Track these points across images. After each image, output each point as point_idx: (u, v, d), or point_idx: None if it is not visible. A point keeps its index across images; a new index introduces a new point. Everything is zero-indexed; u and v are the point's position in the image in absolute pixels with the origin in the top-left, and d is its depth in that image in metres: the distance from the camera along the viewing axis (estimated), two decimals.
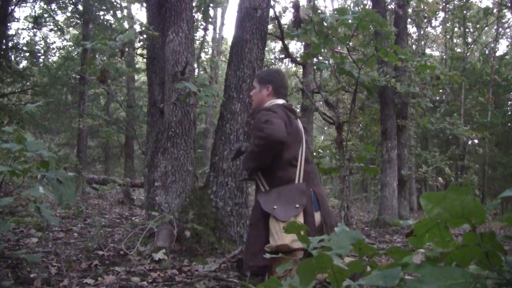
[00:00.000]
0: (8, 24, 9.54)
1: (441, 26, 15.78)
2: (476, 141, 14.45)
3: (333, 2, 23.93)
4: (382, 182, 6.80)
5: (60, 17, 14.28)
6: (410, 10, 9.23)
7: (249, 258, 2.25)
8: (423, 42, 14.16)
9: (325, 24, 3.22)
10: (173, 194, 3.20)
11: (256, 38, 3.56)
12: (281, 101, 2.50)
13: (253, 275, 2.50)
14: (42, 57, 12.04)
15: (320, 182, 2.44)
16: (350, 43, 3.71)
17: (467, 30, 15.38)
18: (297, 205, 2.23)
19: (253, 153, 2.33)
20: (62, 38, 14.18)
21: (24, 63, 11.84)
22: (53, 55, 13.44)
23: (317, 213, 2.26)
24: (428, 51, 15.99)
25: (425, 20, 11.96)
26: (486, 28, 16.24)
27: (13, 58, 10.29)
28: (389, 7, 8.67)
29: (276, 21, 8.48)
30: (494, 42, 15.57)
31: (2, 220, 3.57)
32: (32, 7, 12.30)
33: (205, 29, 12.66)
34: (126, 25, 12.88)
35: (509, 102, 16.80)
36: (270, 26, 9.44)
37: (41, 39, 13.14)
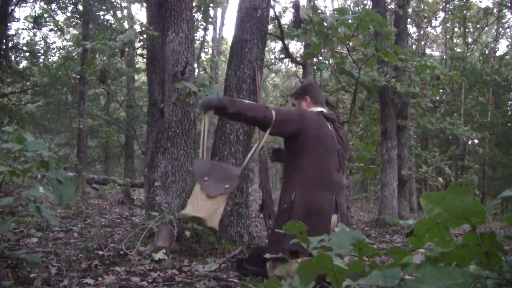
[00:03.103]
0: (8, 24, 9.55)
1: (441, 26, 15.79)
2: (476, 141, 14.45)
3: (333, 2, 23.92)
4: (382, 182, 6.80)
5: (60, 17, 14.28)
6: (410, 10, 9.23)
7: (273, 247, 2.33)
8: (423, 42, 14.16)
9: (325, 24, 3.22)
10: (173, 194, 3.20)
11: (256, 38, 3.56)
12: (319, 109, 2.61)
13: (254, 275, 2.50)
14: (42, 57, 12.05)
15: (343, 194, 2.55)
16: (350, 43, 3.71)
17: (467, 30, 15.37)
18: (227, 186, 2.28)
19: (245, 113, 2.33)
20: (62, 38, 14.19)
21: (24, 63, 11.85)
22: (53, 55, 13.45)
23: (334, 215, 2.41)
24: (428, 51, 15.99)
25: (425, 20, 11.97)
26: (486, 28, 16.23)
27: (13, 58, 10.30)
28: (389, 7, 8.66)
29: (276, 21, 8.48)
30: (494, 42, 15.57)
31: (2, 220, 3.57)
32: (32, 7, 12.29)
33: (205, 29, 12.64)
34: (126, 25, 12.88)
35: (509, 102, 16.81)
36: (270, 26, 9.43)
37: (41, 39, 13.16)
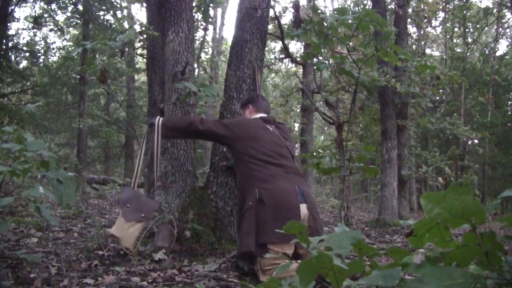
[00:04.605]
0: (8, 24, 9.54)
1: (441, 26, 15.78)
2: (476, 141, 14.44)
3: (333, 2, 23.93)
4: (382, 182, 6.80)
5: (60, 17, 14.31)
6: (410, 10, 9.22)
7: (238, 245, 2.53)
8: (423, 42, 14.14)
9: (325, 24, 3.22)
10: (173, 194, 3.19)
11: (256, 38, 3.56)
12: (260, 115, 2.89)
13: (254, 274, 2.50)
14: (42, 57, 12.03)
15: (304, 184, 2.67)
16: (350, 43, 3.70)
17: (467, 30, 15.37)
18: (143, 215, 2.68)
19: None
20: (62, 38, 14.19)
21: (24, 63, 11.84)
22: (53, 55, 13.45)
23: (303, 205, 2.46)
24: (428, 51, 15.98)
25: (425, 20, 11.95)
26: (486, 28, 16.22)
27: (13, 58, 10.29)
28: (389, 7, 8.67)
29: (276, 21, 8.48)
30: (494, 42, 15.56)
31: (2, 220, 3.57)
32: (32, 7, 12.31)
33: (205, 29, 12.65)
34: (126, 25, 12.88)
35: (509, 102, 16.79)
36: (270, 26, 9.44)
37: (41, 39, 13.14)
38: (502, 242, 0.93)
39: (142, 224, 2.70)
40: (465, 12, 13.82)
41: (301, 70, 12.07)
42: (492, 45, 15.77)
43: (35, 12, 11.50)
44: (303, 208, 2.45)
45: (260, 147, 2.60)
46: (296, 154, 2.94)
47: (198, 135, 2.85)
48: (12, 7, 9.73)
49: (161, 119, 2.78)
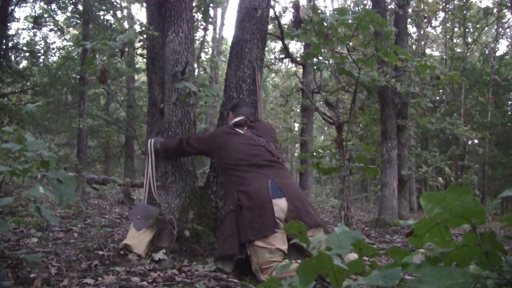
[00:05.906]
0: (8, 24, 9.54)
1: (441, 26, 15.77)
2: (476, 141, 14.44)
3: (333, 2, 23.94)
4: (382, 182, 6.80)
5: (60, 17, 14.28)
6: (410, 10, 9.22)
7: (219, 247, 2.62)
8: (423, 42, 14.14)
9: (325, 24, 3.22)
10: (173, 194, 3.19)
11: (256, 38, 3.56)
12: (235, 119, 3.00)
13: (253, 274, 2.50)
14: (42, 57, 12.03)
15: (285, 177, 2.71)
16: (350, 43, 3.70)
17: (467, 30, 15.36)
18: (150, 221, 2.92)
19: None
20: (62, 38, 14.18)
21: (24, 63, 11.84)
22: (53, 55, 13.44)
23: (281, 199, 2.50)
24: (428, 51, 15.98)
25: (425, 20, 11.94)
26: (486, 28, 16.22)
27: (13, 58, 10.29)
28: (389, 7, 8.66)
29: (276, 21, 8.49)
30: (494, 42, 15.56)
31: (2, 220, 3.57)
32: (32, 7, 12.27)
33: (205, 29, 12.67)
34: (126, 25, 12.87)
35: (509, 102, 16.79)
36: (270, 26, 9.44)
37: (41, 39, 13.14)
38: (502, 242, 0.93)
39: (151, 230, 2.92)
40: (465, 12, 13.82)
41: (301, 70, 12.08)
42: (492, 45, 15.78)
43: (35, 12, 11.49)
44: (281, 201, 2.49)
45: (230, 152, 2.75)
46: (277, 147, 2.99)
47: (187, 154, 3.13)
48: (12, 7, 9.73)
49: (152, 141, 3.17)
